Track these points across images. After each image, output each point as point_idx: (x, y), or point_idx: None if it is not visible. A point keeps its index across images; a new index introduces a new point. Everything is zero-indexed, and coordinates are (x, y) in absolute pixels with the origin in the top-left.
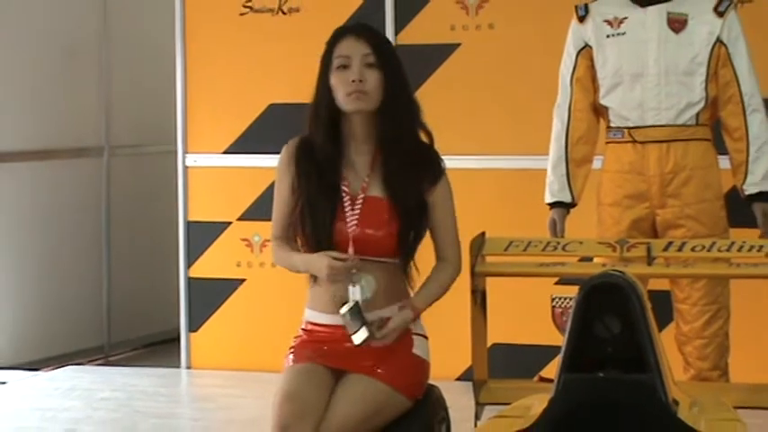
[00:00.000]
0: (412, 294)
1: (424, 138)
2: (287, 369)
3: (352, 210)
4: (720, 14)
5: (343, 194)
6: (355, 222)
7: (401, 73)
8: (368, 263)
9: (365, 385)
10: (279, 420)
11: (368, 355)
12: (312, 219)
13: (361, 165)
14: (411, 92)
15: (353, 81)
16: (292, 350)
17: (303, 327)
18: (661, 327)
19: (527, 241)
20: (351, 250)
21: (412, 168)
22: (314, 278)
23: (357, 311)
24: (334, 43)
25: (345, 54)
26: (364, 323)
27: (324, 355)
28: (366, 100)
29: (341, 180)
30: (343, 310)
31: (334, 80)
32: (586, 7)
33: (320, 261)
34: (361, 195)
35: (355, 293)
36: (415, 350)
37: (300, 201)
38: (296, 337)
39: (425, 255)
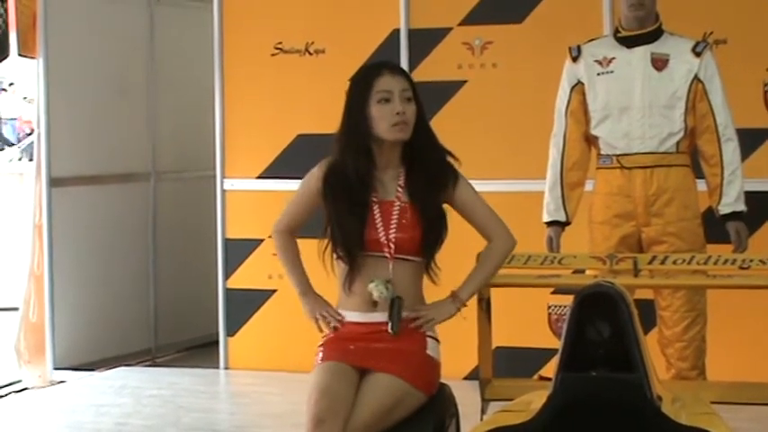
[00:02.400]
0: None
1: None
2: (317, 366)
3: (389, 216)
4: (698, 55)
5: (374, 204)
6: (394, 227)
7: (422, 105)
8: (400, 261)
9: (386, 382)
10: (315, 415)
11: (386, 355)
12: (343, 230)
13: (388, 178)
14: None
15: (398, 113)
16: (321, 348)
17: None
18: (645, 331)
19: (527, 255)
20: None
21: (433, 182)
22: (347, 287)
23: (399, 306)
24: (372, 79)
25: (387, 89)
26: (400, 316)
27: (350, 355)
28: (407, 130)
29: (371, 194)
30: (384, 296)
31: (376, 112)
32: (579, 48)
33: (317, 307)
34: (397, 204)
35: (394, 290)
36: (429, 351)
37: (333, 217)
38: (324, 336)
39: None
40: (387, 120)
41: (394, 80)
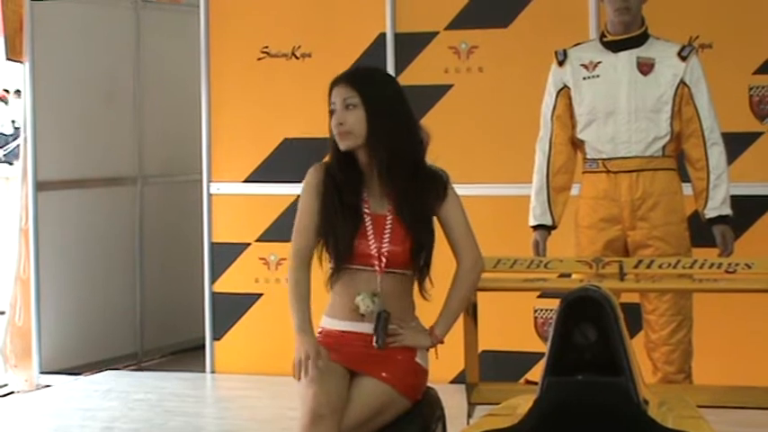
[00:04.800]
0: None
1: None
2: None
3: (381, 230)
4: (684, 59)
5: (365, 215)
6: (387, 241)
7: (387, 106)
8: (389, 274)
9: (372, 387)
10: (312, 409)
11: (375, 360)
12: (334, 236)
13: (379, 190)
14: (401, 120)
15: (338, 124)
16: None
17: (319, 331)
18: (632, 335)
19: (513, 259)
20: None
21: (414, 190)
22: (330, 286)
23: (385, 320)
24: (329, 91)
25: (332, 101)
26: (386, 330)
27: (340, 356)
28: (351, 138)
29: (362, 202)
30: (371, 310)
31: (331, 123)
32: (565, 53)
33: (306, 345)
34: (389, 217)
35: (381, 304)
36: (417, 359)
37: (324, 219)
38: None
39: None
40: (333, 130)
41: (339, 90)
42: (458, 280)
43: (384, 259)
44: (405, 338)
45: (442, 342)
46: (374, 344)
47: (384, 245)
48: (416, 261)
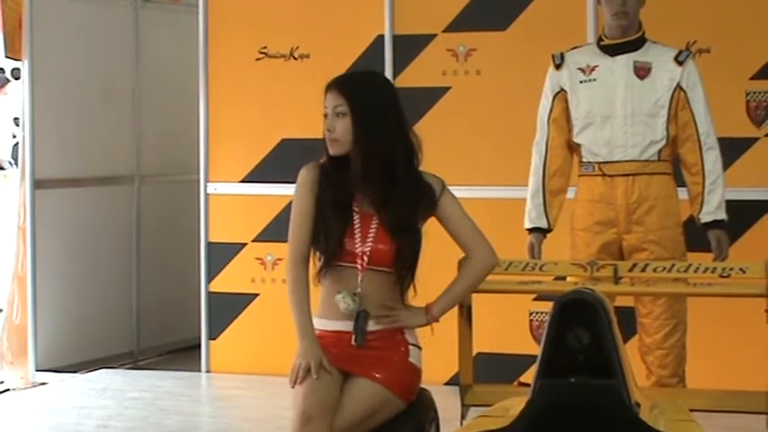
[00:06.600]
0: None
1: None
2: None
3: (367, 229)
4: (680, 63)
5: (354, 214)
6: (371, 240)
7: (374, 114)
8: (372, 272)
9: (367, 388)
10: (303, 411)
11: (369, 361)
12: (324, 234)
13: (369, 191)
14: (389, 129)
15: (328, 131)
16: None
17: None
18: (626, 339)
19: (508, 262)
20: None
21: (399, 197)
22: (318, 280)
23: (364, 320)
24: (324, 94)
25: (325, 105)
26: (365, 329)
27: (333, 357)
28: (338, 145)
29: (353, 201)
30: (350, 308)
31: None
32: (562, 56)
33: (309, 354)
34: (376, 217)
35: (361, 303)
36: (411, 359)
37: (316, 217)
38: None
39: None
40: (325, 135)
41: (330, 97)
42: (469, 269)
43: (366, 257)
44: (399, 318)
45: (437, 320)
46: (353, 342)
47: (368, 243)
48: (399, 264)
